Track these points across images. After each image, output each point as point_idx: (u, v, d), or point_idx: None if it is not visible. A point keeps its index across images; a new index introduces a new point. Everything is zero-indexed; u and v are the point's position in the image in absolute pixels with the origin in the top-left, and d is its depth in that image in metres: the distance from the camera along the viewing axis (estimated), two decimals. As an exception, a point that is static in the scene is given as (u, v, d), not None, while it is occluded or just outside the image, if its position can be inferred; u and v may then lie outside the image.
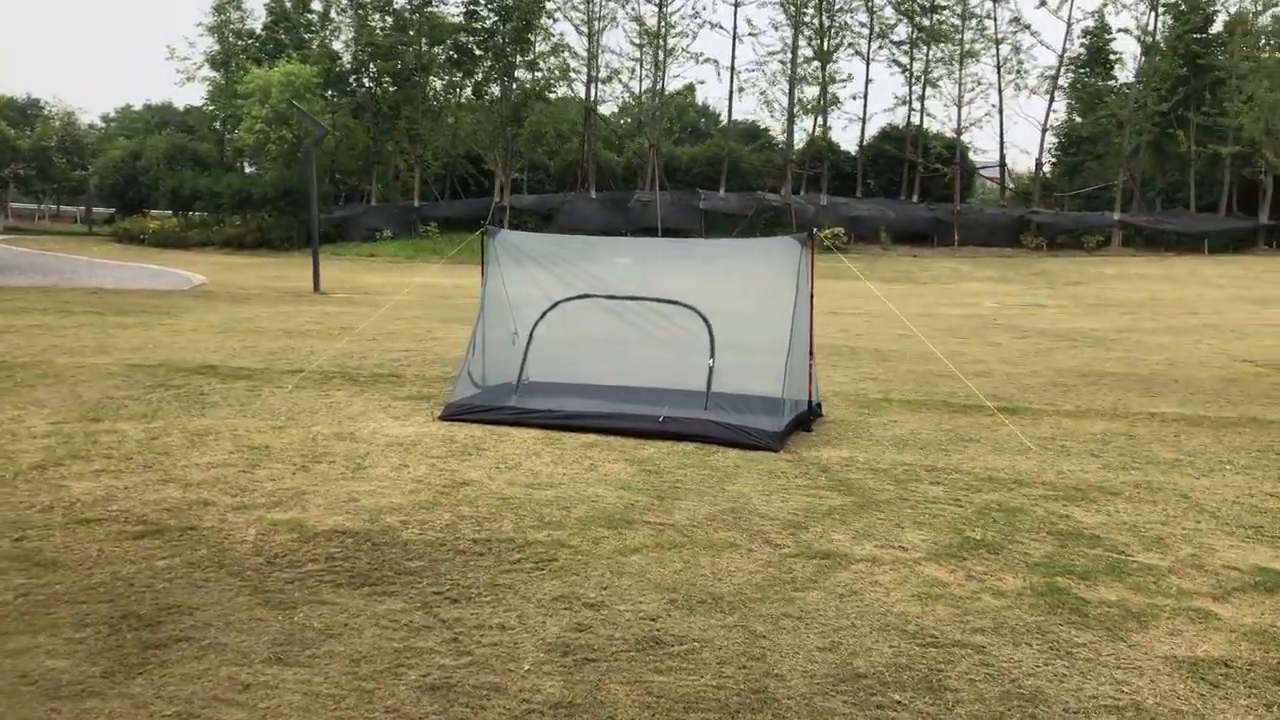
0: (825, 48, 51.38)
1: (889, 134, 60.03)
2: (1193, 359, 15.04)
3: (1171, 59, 48.86)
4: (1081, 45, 57.19)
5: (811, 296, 8.98)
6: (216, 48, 56.81)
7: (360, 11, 52.09)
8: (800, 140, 54.66)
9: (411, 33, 51.01)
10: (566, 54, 52.17)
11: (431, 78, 53.05)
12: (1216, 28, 54.91)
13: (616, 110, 61.08)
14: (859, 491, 7.07)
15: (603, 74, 52.95)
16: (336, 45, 54.33)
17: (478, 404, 9.18)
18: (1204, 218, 48.56)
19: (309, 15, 55.70)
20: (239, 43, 56.71)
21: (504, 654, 4.39)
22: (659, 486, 7.12)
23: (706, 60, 52.93)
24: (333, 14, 54.80)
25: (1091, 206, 54.66)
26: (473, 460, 7.78)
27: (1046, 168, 56.22)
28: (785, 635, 4.62)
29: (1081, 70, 57.13)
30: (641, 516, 6.39)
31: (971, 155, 58.14)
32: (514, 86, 50.63)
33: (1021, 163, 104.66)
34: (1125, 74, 60.43)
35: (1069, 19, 54.88)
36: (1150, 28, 51.03)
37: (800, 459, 8.05)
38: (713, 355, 8.91)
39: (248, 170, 60.85)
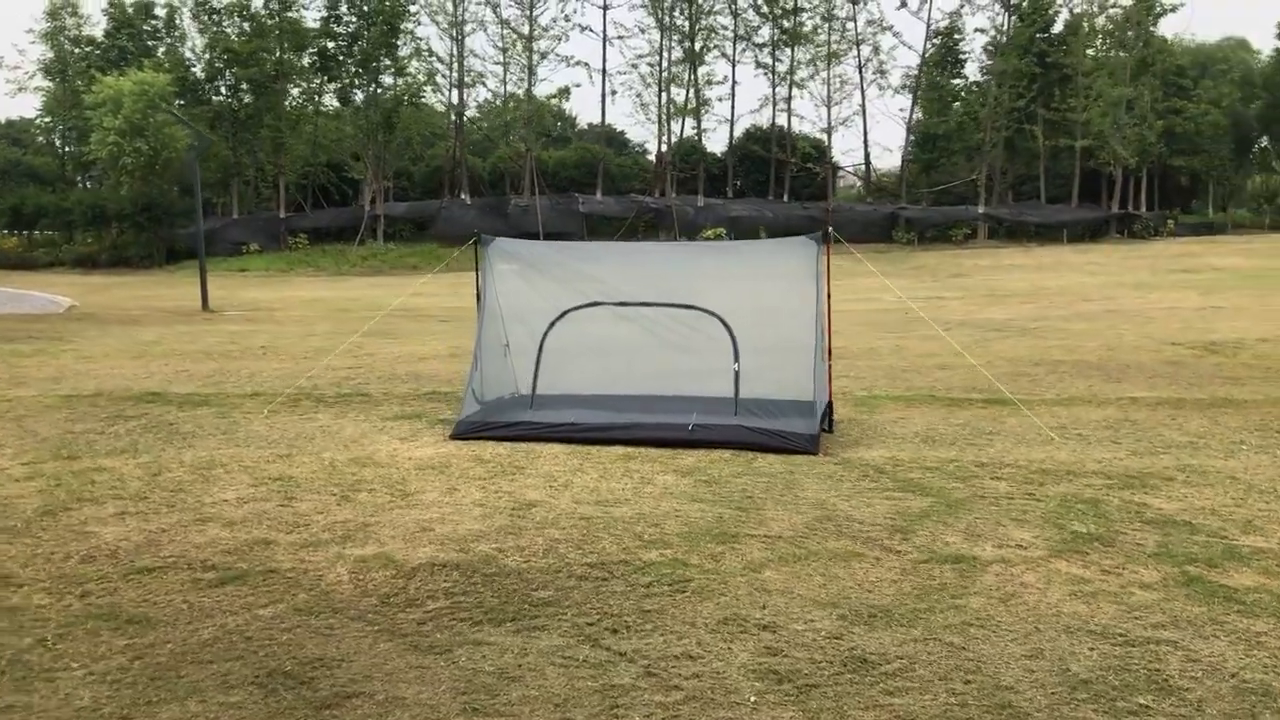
0: (695, 49, 51.75)
1: (754, 135, 61.04)
2: (1125, 344, 15.61)
3: (1021, 58, 50.97)
4: (932, 45, 59.29)
5: (829, 296, 8.88)
6: (51, 55, 53.56)
7: (214, 17, 49.90)
8: (666, 143, 55.00)
9: (271, 39, 49.11)
10: (433, 59, 51.23)
11: (293, 85, 51.25)
12: (1060, 28, 57.79)
13: (478, 114, 60.34)
14: (934, 492, 7.00)
15: (469, 78, 52.22)
16: (187, 53, 52.06)
17: (491, 420, 8.77)
18: (1059, 209, 50.93)
19: (154, 21, 53.17)
20: (77, 50, 53.64)
21: (714, 685, 4.13)
22: (730, 497, 6.90)
23: (578, 63, 52.33)
24: (179, 20, 52.46)
25: (945, 201, 56.67)
26: (519, 480, 7.41)
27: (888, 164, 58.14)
28: (983, 645, 4.48)
29: (934, 70, 59.18)
30: (739, 530, 6.16)
31: (837, 155, 59.53)
32: (382, 92, 49.34)
33: (882, 160, 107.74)
34: (975, 73, 63.03)
35: (929, 20, 56.56)
36: (1004, 27, 53.13)
37: (846, 461, 7.94)
38: (737, 359, 8.72)
39: (90, 185, 57.60)
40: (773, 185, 55.78)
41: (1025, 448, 8.42)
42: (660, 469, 7.71)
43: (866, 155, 57.23)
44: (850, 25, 55.35)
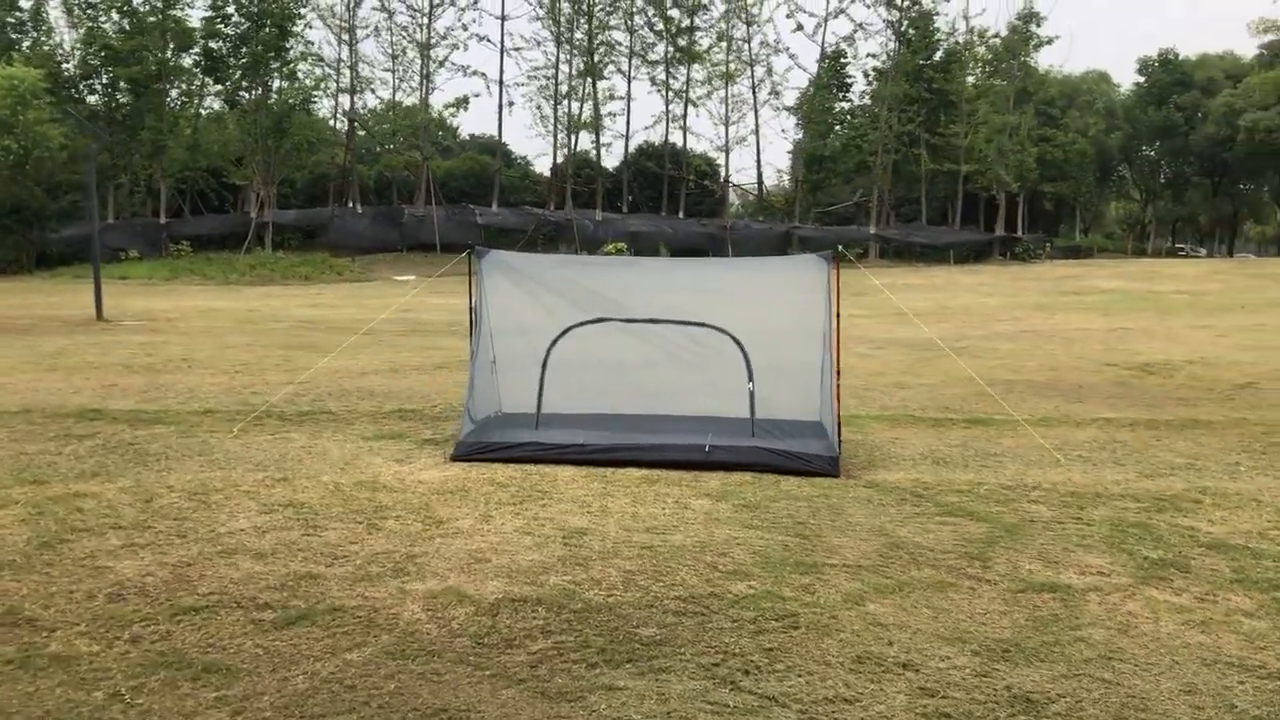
0: (594, 63, 51.66)
1: (647, 151, 61.32)
2: (1063, 365, 15.96)
3: (912, 84, 52.41)
4: (821, 68, 60.59)
5: (838, 316, 8.75)
6: (-91, 46, 50.31)
7: (90, 12, 47.58)
8: (563, 156, 54.74)
9: (153, 36, 47.08)
10: (324, 64, 49.90)
11: (174, 86, 49.24)
12: (943, 55, 59.66)
13: (369, 121, 59.06)
14: (983, 516, 6.90)
15: (360, 84, 51.03)
16: (56, 48, 49.47)
17: (496, 441, 8.35)
18: (944, 231, 52.49)
19: (18, 13, 50.41)
20: (-66, 42, 50.51)
21: (890, 732, 3.89)
22: (779, 522, 6.68)
23: (475, 73, 51.66)
24: (45, 12, 49.85)
25: (830, 221, 57.92)
26: (550, 505, 7.04)
27: (780, 183, 59.14)
28: (1134, 680, 4.35)
29: (824, 93, 60.46)
30: (813, 558, 5.95)
31: (733, 173, 60.20)
32: (273, 97, 47.79)
33: (774, 180, 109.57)
34: (861, 97, 64.62)
35: (823, 43, 57.67)
36: (893, 54, 54.56)
37: (873, 484, 7.80)
38: (751, 379, 8.51)
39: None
40: (665, 201, 56.06)
41: (1039, 469, 8.42)
42: (689, 492, 7.44)
43: (760, 174, 58.00)
44: (745, 46, 56.04)
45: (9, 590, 5.31)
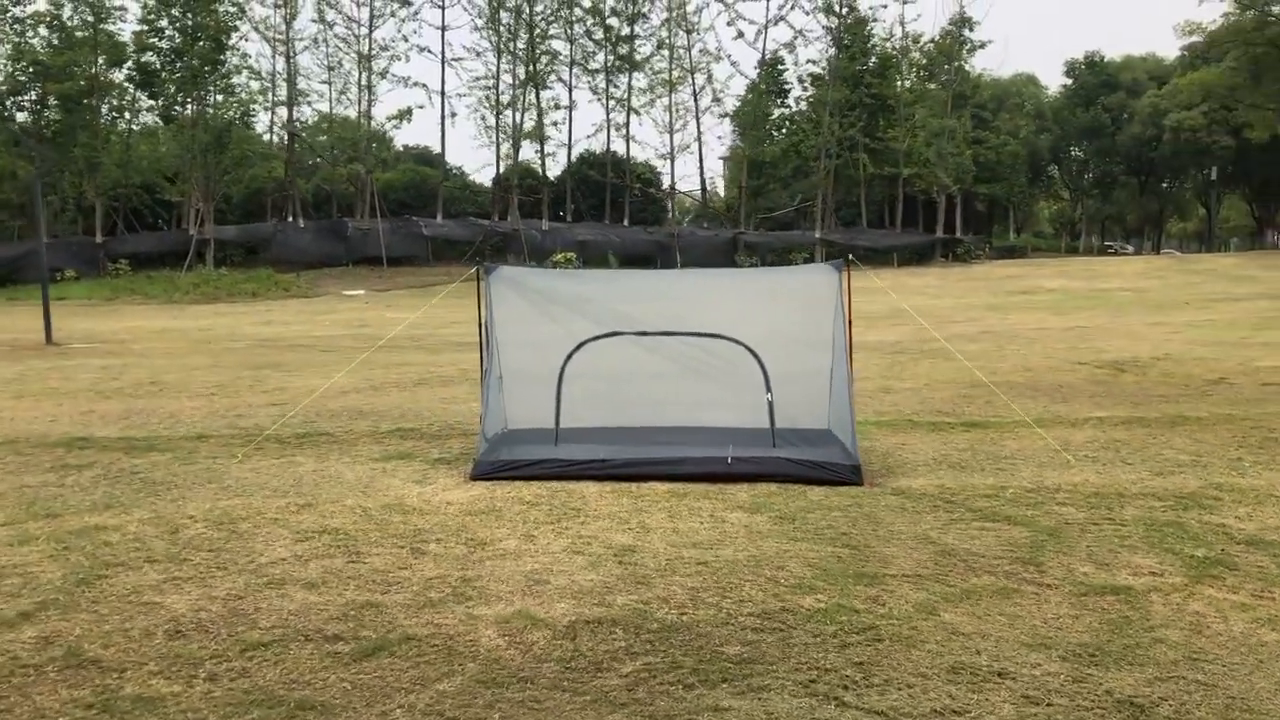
0: (536, 72, 51.53)
1: (588, 159, 61.31)
2: (1037, 366, 16.23)
3: (853, 89, 53.02)
4: (759, 75, 61.08)
5: (850, 324, 8.79)
6: None
7: (17, 26, 46.39)
8: (505, 166, 54.50)
9: (84, 51, 46.02)
10: (261, 77, 49.16)
11: (106, 102, 48.17)
12: (878, 60, 60.44)
13: (307, 134, 58.29)
14: (1020, 521, 6.98)
15: (299, 97, 50.36)
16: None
17: (516, 459, 8.26)
18: (886, 233, 53.15)
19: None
20: None
21: (1010, 743, 3.91)
22: (823, 533, 6.69)
23: (416, 84, 51.25)
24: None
25: (771, 225, 58.37)
26: (589, 522, 6.99)
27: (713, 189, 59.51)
28: (1230, 682, 4.43)
29: (761, 98, 60.92)
30: (870, 569, 5.97)
31: (678, 180, 60.41)
32: (211, 111, 46.96)
33: (717, 186, 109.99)
34: (798, 103, 65.21)
35: (763, 50, 58.09)
36: (832, 59, 55.14)
37: (900, 491, 7.85)
38: (769, 389, 8.52)
39: None
40: (609, 209, 56.10)
41: (1053, 471, 8.54)
42: (721, 506, 7.42)
43: (703, 181, 58.27)
44: (686, 54, 56.27)
45: (62, 630, 5.14)
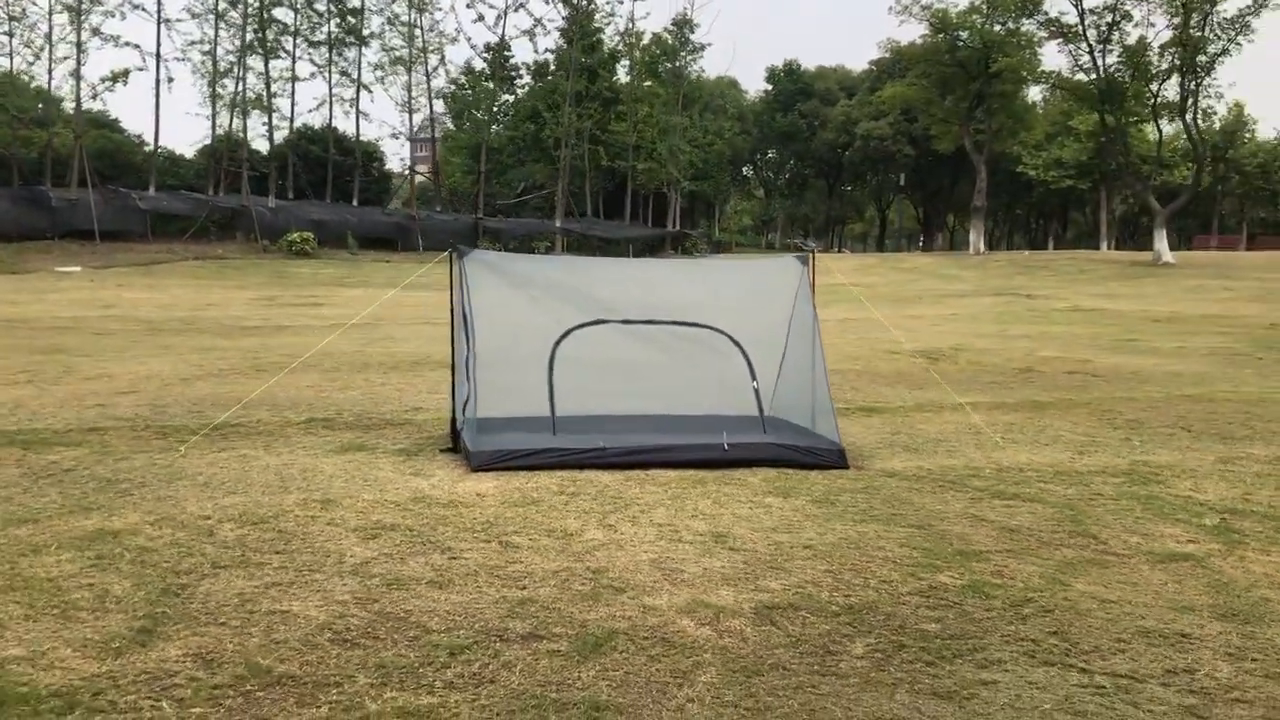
0: (264, 39, 48.72)
1: (308, 134, 58.83)
2: (859, 354, 17.35)
3: (586, 80, 53.84)
4: (484, 59, 60.88)
5: (814, 313, 9.15)
6: None
7: None
8: (221, 137, 51.23)
9: None
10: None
11: None
12: (605, 56, 61.68)
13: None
14: (1029, 498, 7.59)
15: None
16: None
17: (519, 448, 8.03)
18: (620, 225, 54.44)
19: None
20: None
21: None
22: (875, 514, 7.01)
23: (128, 44, 46.94)
24: None
25: (510, 213, 58.48)
26: (647, 511, 6.94)
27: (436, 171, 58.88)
28: (1356, 629, 5.12)
29: (485, 82, 60.75)
30: (957, 546, 6.34)
31: (406, 161, 58.95)
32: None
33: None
34: (524, 90, 65.40)
35: (502, 35, 57.77)
36: (563, 50, 55.72)
37: (887, 473, 8.30)
38: (754, 377, 8.76)
39: None
40: (330, 188, 54.12)
41: (994, 452, 9.27)
42: (747, 491, 7.58)
43: (435, 163, 57.17)
44: (419, 33, 55.08)
45: (210, 647, 4.59)
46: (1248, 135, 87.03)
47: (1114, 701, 4.25)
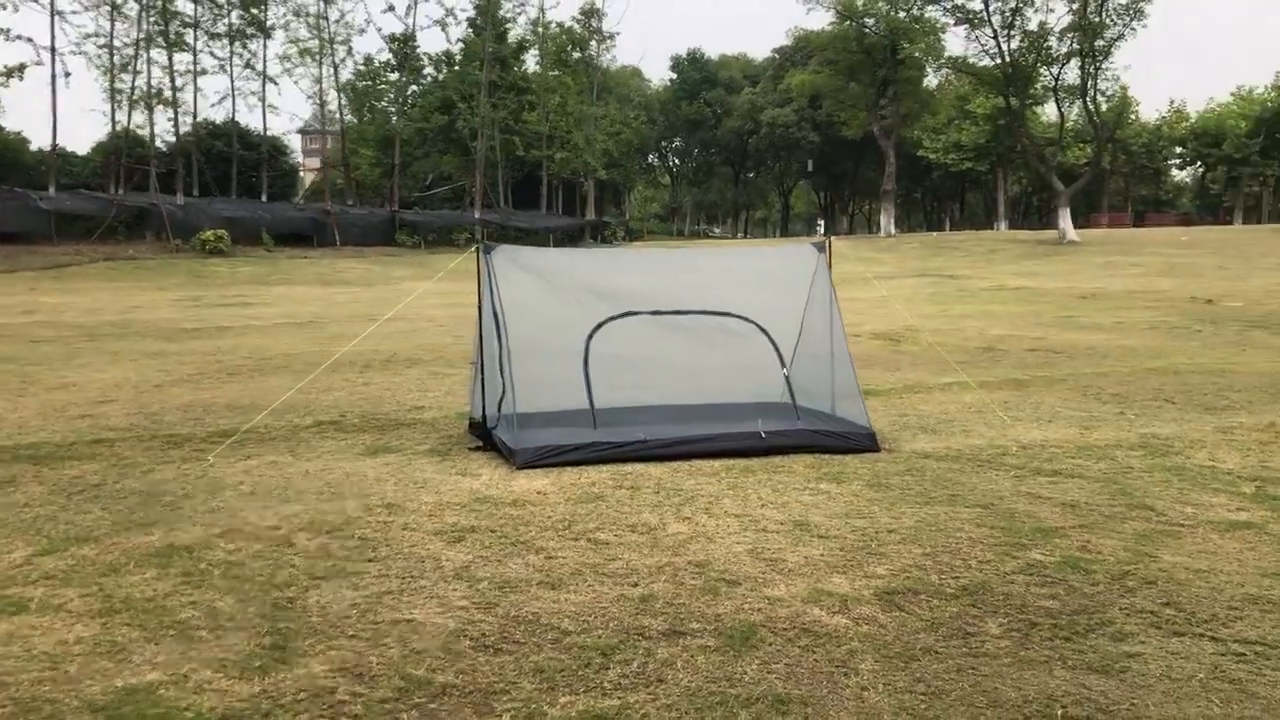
0: (167, 30, 47.17)
1: (213, 129, 57.30)
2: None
3: (501, 69, 53.38)
4: (390, 51, 59.95)
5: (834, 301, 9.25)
6: None
7: None
8: (114, 134, 49.51)
9: None
10: None
11: None
12: (514, 47, 61.21)
13: None
14: (1069, 474, 7.81)
15: None
16: None
17: (563, 444, 7.97)
18: (538, 215, 54.16)
19: None
20: None
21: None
22: (936, 498, 7.12)
23: (19, 38, 44.94)
24: None
25: (427, 205, 57.78)
26: (717, 503, 6.95)
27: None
28: None
29: (386, 72, 59.89)
30: (1030, 525, 6.50)
31: (324, 156, 57.75)
32: None
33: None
34: (429, 79, 64.51)
35: (413, 25, 56.83)
36: (471, 39, 55.12)
37: (923, 454, 8.46)
38: (784, 364, 8.83)
39: None
40: (235, 183, 52.84)
41: (1005, 429, 9.50)
42: (798, 479, 7.62)
43: (345, 156, 56.09)
44: (324, 23, 53.94)
45: (357, 662, 4.48)
46: (1132, 116, 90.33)
47: (1260, 668, 4.41)
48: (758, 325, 8.86)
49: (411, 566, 5.68)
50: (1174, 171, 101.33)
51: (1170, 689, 4.22)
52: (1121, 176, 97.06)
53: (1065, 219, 51.02)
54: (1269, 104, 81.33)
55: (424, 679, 4.31)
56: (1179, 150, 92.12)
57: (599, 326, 8.52)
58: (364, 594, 5.27)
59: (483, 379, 8.55)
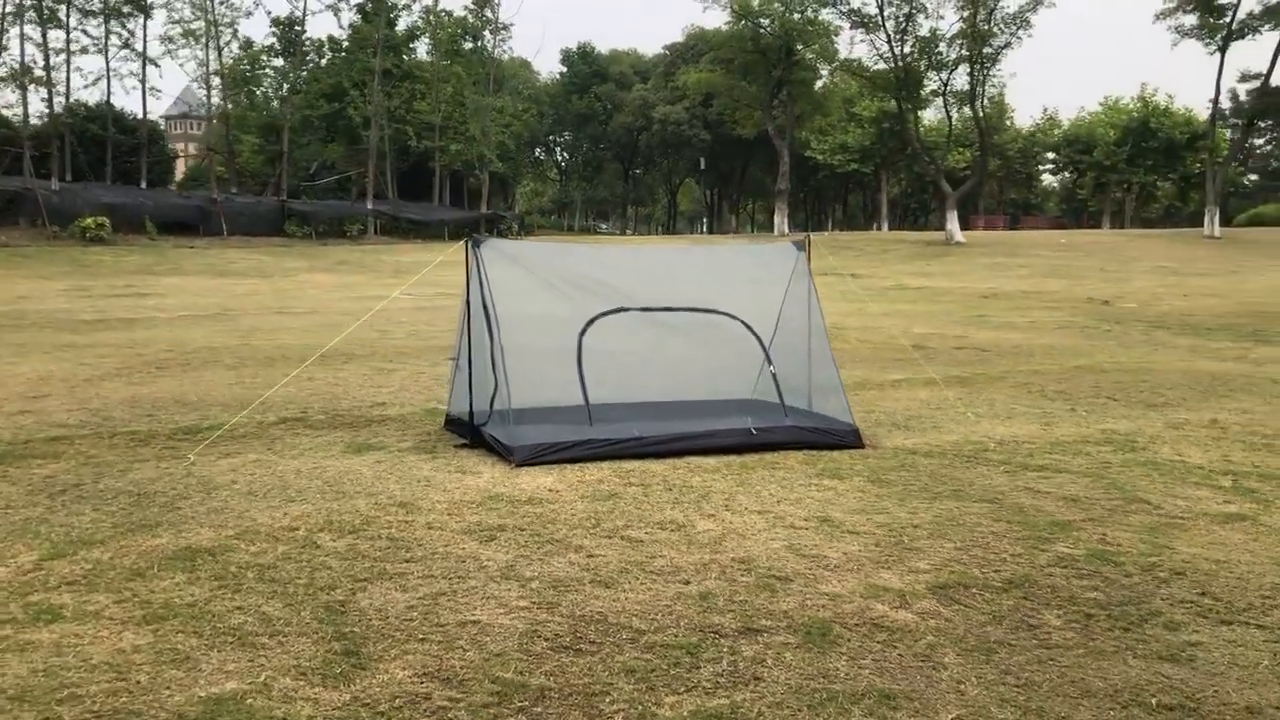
0: (41, 7, 44.98)
1: (82, 111, 54.93)
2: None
3: (393, 56, 52.39)
4: (273, 35, 58.53)
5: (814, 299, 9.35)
6: None
7: None
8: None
9: None
10: None
11: None
12: (404, 34, 60.21)
13: None
14: (1053, 469, 8.05)
15: None
16: None
17: (560, 441, 7.87)
18: (432, 207, 53.36)
19: None
20: None
21: None
22: (937, 493, 7.27)
23: None
24: None
25: (316, 194, 56.33)
26: (734, 499, 6.98)
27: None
28: None
29: (264, 56, 58.40)
30: (1040, 519, 6.68)
31: (211, 142, 55.83)
32: None
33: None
34: (311, 64, 63.01)
35: (305, 10, 55.25)
36: (358, 25, 54.00)
37: (908, 450, 8.63)
38: (771, 361, 8.89)
39: None
40: (110, 168, 50.79)
41: (978, 426, 9.78)
42: (799, 476, 7.70)
43: (229, 143, 54.33)
44: (210, 4, 52.12)
45: (439, 666, 4.34)
46: (1008, 122, 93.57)
47: None
48: (744, 323, 8.90)
49: (454, 567, 5.54)
50: (1045, 176, 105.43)
51: (1243, 676, 4.39)
52: (996, 180, 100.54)
53: (953, 221, 52.58)
54: (1134, 114, 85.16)
55: (516, 682, 4.21)
56: (1051, 156, 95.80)
57: (591, 322, 8.44)
58: (416, 596, 5.12)
59: (470, 375, 8.38)
